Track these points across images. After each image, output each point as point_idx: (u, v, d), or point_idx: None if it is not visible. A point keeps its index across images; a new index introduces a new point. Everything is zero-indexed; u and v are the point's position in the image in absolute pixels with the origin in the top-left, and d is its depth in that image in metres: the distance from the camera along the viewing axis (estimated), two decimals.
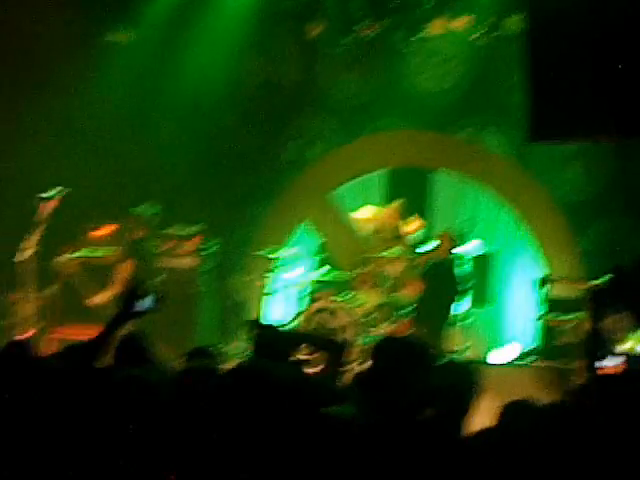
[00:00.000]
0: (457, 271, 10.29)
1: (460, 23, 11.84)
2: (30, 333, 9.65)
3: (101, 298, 9.64)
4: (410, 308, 10.07)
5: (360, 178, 12.30)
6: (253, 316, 10.58)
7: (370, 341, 9.78)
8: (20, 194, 10.24)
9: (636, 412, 3.19)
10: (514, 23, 11.15)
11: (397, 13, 12.02)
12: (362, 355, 9.61)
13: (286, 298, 10.84)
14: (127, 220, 10.03)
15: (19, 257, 9.59)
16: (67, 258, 10.16)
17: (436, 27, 11.98)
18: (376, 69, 12.29)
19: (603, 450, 3.21)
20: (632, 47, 8.11)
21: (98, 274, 10.04)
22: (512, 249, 11.63)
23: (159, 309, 4.66)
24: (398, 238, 10.53)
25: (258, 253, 11.15)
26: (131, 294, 4.53)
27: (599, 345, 3.57)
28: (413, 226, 10.69)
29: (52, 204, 9.62)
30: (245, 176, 12.50)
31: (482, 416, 4.03)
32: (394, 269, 10.19)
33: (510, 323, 11.38)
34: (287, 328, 9.53)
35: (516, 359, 9.99)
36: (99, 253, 10.29)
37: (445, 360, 4.60)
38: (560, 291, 10.49)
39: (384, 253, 10.17)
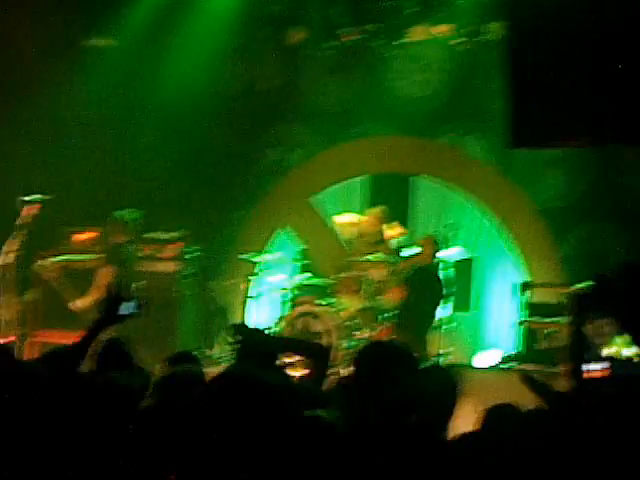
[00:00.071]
0: (440, 276, 10.30)
1: (442, 29, 11.88)
2: (11, 338, 9.60)
3: (82, 303, 9.60)
4: (393, 313, 10.08)
5: (342, 183, 12.31)
6: (237, 320, 10.57)
7: (353, 345, 9.79)
8: (1, 198, 10.18)
9: (622, 416, 3.20)
10: (495, 29, 11.20)
11: (379, 19, 12.06)
12: (346, 359, 9.62)
13: (269, 302, 10.83)
14: (108, 225, 9.99)
15: (0, 261, 9.55)
16: (48, 262, 10.11)
17: (418, 33, 12.02)
18: (358, 75, 12.31)
19: (588, 454, 3.22)
20: (612, 53, 8.15)
21: (79, 279, 10.00)
22: (494, 254, 11.66)
23: (141, 314, 4.66)
24: (380, 243, 10.54)
25: (241, 257, 11.14)
26: (113, 299, 4.52)
27: (584, 349, 3.58)
28: (395, 231, 10.70)
29: (34, 208, 9.57)
30: (227, 181, 12.51)
31: (465, 420, 4.04)
32: (377, 274, 10.20)
33: (492, 328, 11.41)
34: (271, 332, 9.53)
35: (499, 364, 10.01)
36: (80, 258, 10.25)
37: (428, 364, 4.62)
38: (541, 296, 10.53)
39: (367, 258, 10.18)
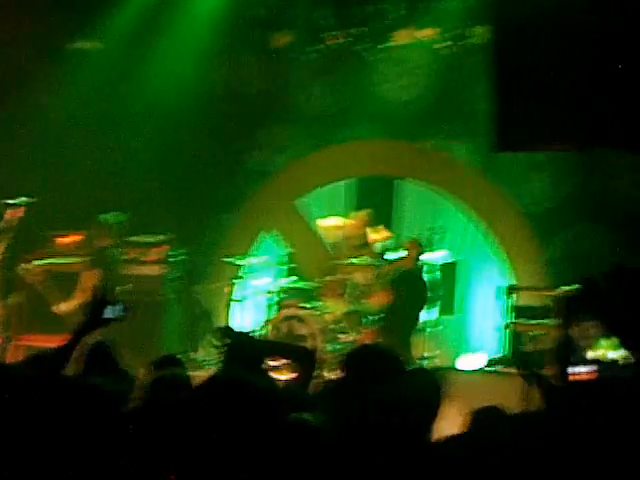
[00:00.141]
0: (425, 279, 10.31)
1: (427, 33, 11.90)
2: None
3: (67, 306, 9.58)
4: (378, 316, 10.08)
5: (327, 187, 12.32)
6: (221, 323, 10.55)
7: (338, 349, 9.79)
8: None
9: (608, 419, 3.21)
10: (480, 33, 11.22)
11: (364, 23, 12.07)
12: (331, 362, 9.61)
13: (254, 305, 10.82)
14: (93, 228, 9.97)
15: None
16: (33, 266, 10.08)
17: (403, 37, 12.04)
18: (343, 78, 12.33)
19: (575, 456, 3.22)
20: (597, 57, 8.17)
21: (64, 282, 9.98)
22: (479, 257, 11.68)
23: (126, 317, 4.65)
24: (365, 246, 10.54)
25: (226, 260, 11.14)
26: (98, 302, 4.51)
27: (571, 352, 3.59)
28: (381, 235, 10.70)
29: (18, 211, 9.54)
30: (212, 184, 12.50)
31: (451, 423, 4.04)
32: (362, 277, 10.20)
33: (477, 331, 11.43)
34: (256, 335, 9.52)
35: (484, 367, 10.01)
36: (65, 261, 10.22)
37: (413, 367, 4.62)
38: (527, 299, 10.55)
39: (352, 261, 10.17)
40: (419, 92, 12.06)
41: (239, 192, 12.53)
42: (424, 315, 10.22)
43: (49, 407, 3.48)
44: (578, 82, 8.24)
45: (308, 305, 10.26)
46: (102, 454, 3.33)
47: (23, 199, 9.59)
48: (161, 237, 10.81)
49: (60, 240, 10.65)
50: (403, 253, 10.46)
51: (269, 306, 10.51)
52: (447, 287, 11.22)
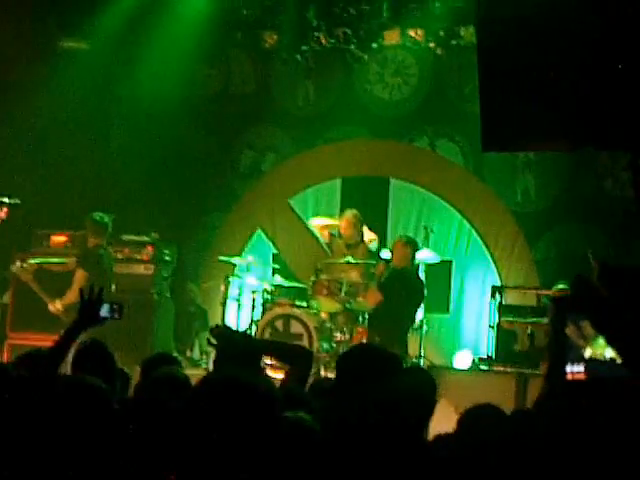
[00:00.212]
0: (414, 278, 10.32)
1: (415, 33, 11.93)
2: None
3: (61, 305, 9.57)
4: (371, 315, 10.07)
5: (316, 186, 12.33)
6: (216, 322, 10.55)
7: (329, 348, 9.80)
8: None
9: (603, 418, 3.22)
10: (469, 33, 11.24)
11: (352, 23, 12.07)
12: (326, 361, 9.64)
13: (249, 304, 10.81)
14: (86, 227, 9.96)
15: None
16: (26, 264, 10.07)
17: (391, 37, 12.06)
18: (331, 78, 12.35)
19: (571, 455, 3.24)
20: (583, 57, 8.20)
21: (57, 281, 9.97)
22: (472, 256, 11.70)
23: (117, 316, 4.67)
24: (355, 245, 10.54)
25: (220, 259, 11.15)
26: (89, 302, 4.52)
27: (566, 351, 3.61)
28: (370, 235, 10.71)
29: (5, 211, 9.53)
30: (204, 183, 12.52)
31: (444, 421, 4.06)
32: (351, 276, 10.20)
33: (470, 330, 11.45)
34: (252, 334, 9.52)
35: (477, 365, 10.03)
36: (58, 260, 10.22)
37: (408, 365, 4.64)
38: (517, 298, 10.60)
39: (345, 260, 10.18)
40: (408, 92, 12.11)
41: (231, 191, 12.56)
42: (414, 314, 10.20)
43: (45, 406, 3.48)
44: (568, 82, 8.27)
45: (302, 304, 10.27)
46: (101, 454, 3.34)
47: (14, 199, 9.57)
48: (154, 236, 10.82)
49: (53, 239, 10.65)
50: (392, 252, 10.43)
51: (264, 304, 10.51)
52: (441, 286, 11.27)
